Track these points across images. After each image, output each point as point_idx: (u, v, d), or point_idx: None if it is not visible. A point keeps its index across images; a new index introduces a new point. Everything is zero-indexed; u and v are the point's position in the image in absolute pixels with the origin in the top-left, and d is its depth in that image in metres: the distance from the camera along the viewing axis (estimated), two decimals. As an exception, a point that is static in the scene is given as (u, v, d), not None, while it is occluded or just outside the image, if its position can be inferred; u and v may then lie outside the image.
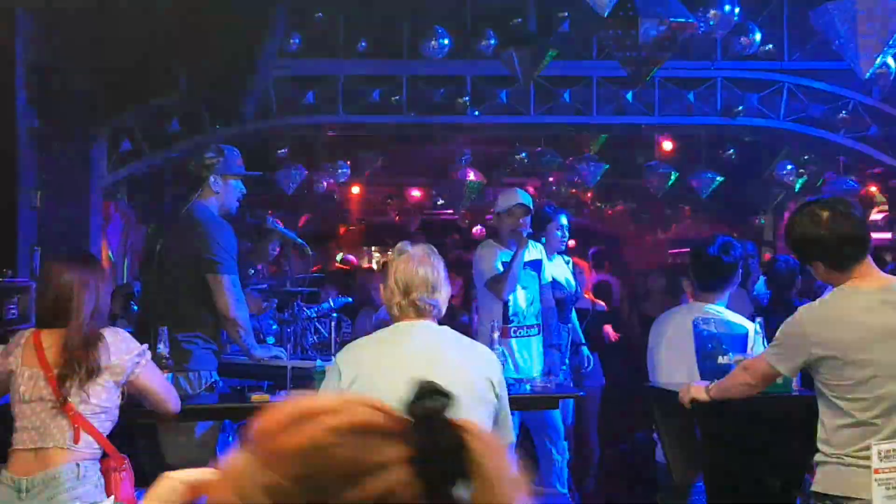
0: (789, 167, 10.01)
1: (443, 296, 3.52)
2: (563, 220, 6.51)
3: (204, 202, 4.72)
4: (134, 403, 3.88)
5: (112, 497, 3.37)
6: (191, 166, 4.83)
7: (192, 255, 4.54)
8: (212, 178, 4.71)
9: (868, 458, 2.82)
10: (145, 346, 3.76)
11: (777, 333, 3.49)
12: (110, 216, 9.82)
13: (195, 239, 4.53)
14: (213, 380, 4.63)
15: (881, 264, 3.73)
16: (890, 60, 7.41)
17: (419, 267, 3.48)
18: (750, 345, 4.22)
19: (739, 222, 13.41)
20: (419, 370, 3.37)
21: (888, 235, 10.87)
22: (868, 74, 6.01)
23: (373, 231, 18.32)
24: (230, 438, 5.80)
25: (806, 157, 10.18)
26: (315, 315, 5.96)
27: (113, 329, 3.70)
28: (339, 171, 10.50)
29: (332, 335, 5.47)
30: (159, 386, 3.81)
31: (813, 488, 3.33)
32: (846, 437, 3.23)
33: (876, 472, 2.62)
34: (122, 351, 3.62)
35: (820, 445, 3.34)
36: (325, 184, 11.63)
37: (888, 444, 2.67)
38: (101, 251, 8.66)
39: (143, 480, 4.66)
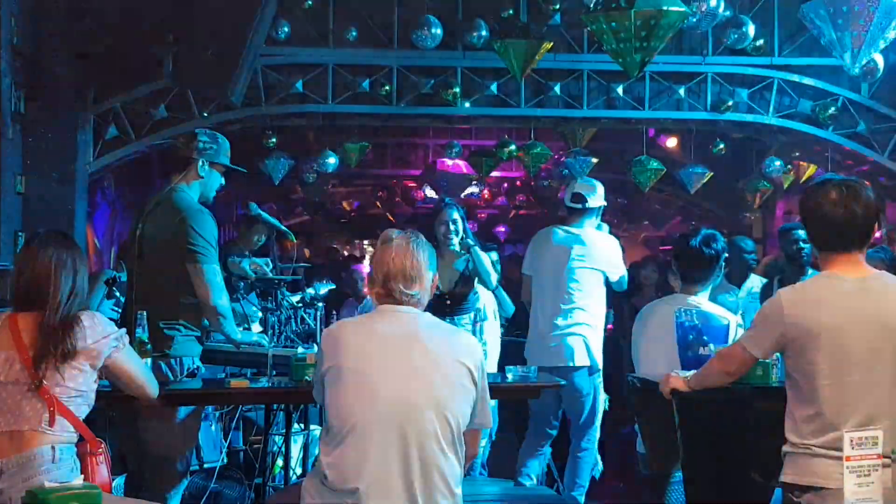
0: (777, 163, 10.01)
1: (424, 286, 3.52)
2: (453, 215, 6.23)
3: (186, 186, 4.71)
4: (113, 388, 3.87)
5: (82, 476, 3.36)
6: (180, 144, 4.81)
7: (172, 243, 4.53)
8: (200, 162, 4.71)
9: (836, 448, 2.82)
10: (123, 330, 3.74)
11: (755, 316, 3.50)
12: (97, 203, 9.79)
13: (175, 227, 4.52)
14: (195, 366, 4.62)
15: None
16: (878, 57, 7.43)
17: (398, 257, 3.49)
18: (731, 336, 4.23)
19: (729, 219, 13.42)
20: (397, 355, 3.39)
21: (877, 234, 10.88)
22: (857, 70, 6.02)
23: (363, 223, 18.31)
24: (212, 426, 5.81)
25: (796, 154, 10.18)
26: (300, 304, 5.95)
27: (90, 312, 3.67)
28: (328, 161, 10.45)
29: (318, 324, 5.46)
30: (136, 371, 3.79)
31: (782, 479, 3.33)
32: (814, 427, 3.22)
33: (847, 459, 2.61)
34: (98, 334, 3.59)
35: (788, 436, 3.33)
36: (313, 174, 11.60)
37: (860, 432, 2.67)
38: (87, 238, 8.63)
39: (123, 466, 4.67)
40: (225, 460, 5.70)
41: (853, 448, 2.62)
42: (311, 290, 6.05)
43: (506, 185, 16.59)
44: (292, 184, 12.66)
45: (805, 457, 3.24)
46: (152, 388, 3.87)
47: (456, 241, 6.19)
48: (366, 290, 7.56)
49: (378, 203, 17.10)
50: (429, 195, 15.12)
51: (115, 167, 8.62)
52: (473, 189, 15.69)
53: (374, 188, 16.72)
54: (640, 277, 9.51)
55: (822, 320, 3.23)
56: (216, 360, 5.05)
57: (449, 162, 11.92)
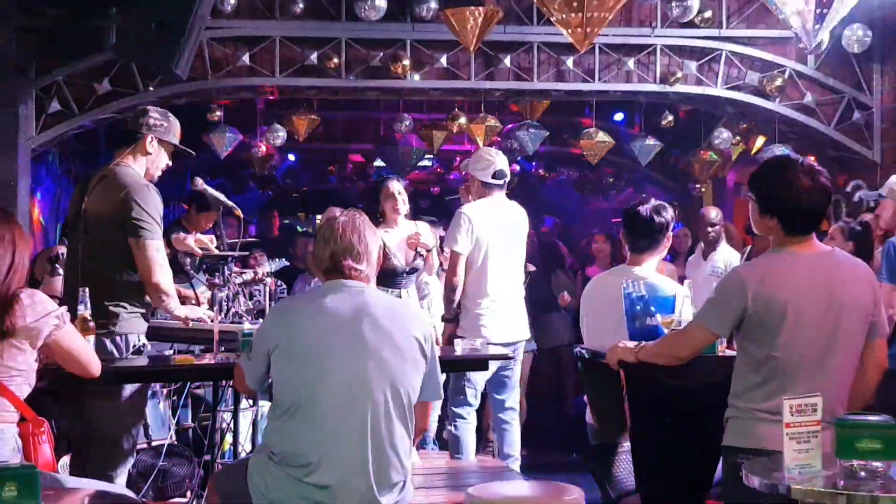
0: (725, 135, 10.07)
1: (371, 261, 3.54)
2: (398, 186, 6.19)
3: (133, 161, 4.64)
4: (56, 367, 3.81)
5: (21, 456, 3.31)
6: (129, 118, 4.74)
7: (115, 218, 4.47)
8: (149, 138, 4.64)
9: (779, 413, 2.86)
10: (63, 308, 3.68)
11: (711, 294, 3.54)
12: (41, 179, 9.61)
13: (119, 201, 4.46)
14: (140, 343, 4.57)
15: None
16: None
17: (346, 234, 3.50)
18: (678, 307, 4.25)
19: (679, 191, 13.51)
20: (347, 330, 3.38)
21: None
22: (813, 45, 6.03)
23: (314, 198, 18.17)
24: (160, 403, 5.76)
25: (744, 125, 10.24)
26: (248, 280, 5.88)
27: (30, 291, 3.61)
28: (276, 134, 10.33)
29: (267, 300, 5.41)
30: (77, 349, 3.73)
31: (724, 442, 3.40)
32: (762, 392, 3.32)
33: (787, 426, 2.66)
34: (38, 313, 3.53)
35: (732, 400, 3.41)
36: (262, 148, 11.48)
37: (800, 399, 2.72)
38: (31, 214, 8.48)
39: (68, 445, 4.61)
40: (173, 437, 5.66)
41: (793, 415, 2.66)
42: (266, 267, 6.00)
43: (458, 158, 16.56)
44: (243, 159, 12.52)
45: (749, 420, 3.34)
46: (94, 367, 3.81)
47: (407, 209, 6.20)
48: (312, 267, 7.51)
49: (329, 178, 16.95)
50: (379, 168, 15.03)
51: (59, 142, 8.46)
52: (426, 163, 15.63)
53: (324, 163, 16.58)
54: (592, 250, 9.59)
55: (782, 295, 3.32)
56: (162, 337, 5.00)
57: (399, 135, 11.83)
